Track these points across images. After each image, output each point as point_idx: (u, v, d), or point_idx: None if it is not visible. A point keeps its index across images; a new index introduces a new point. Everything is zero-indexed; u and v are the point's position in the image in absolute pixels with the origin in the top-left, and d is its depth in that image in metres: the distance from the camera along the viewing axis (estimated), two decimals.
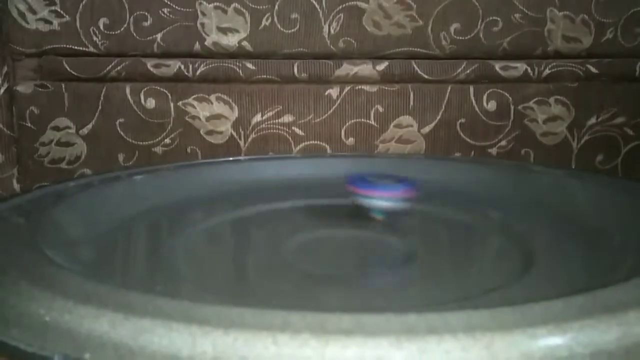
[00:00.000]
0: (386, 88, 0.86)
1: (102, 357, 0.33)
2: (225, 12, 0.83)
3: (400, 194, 0.59)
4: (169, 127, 0.84)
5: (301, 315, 0.33)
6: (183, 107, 0.84)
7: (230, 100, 0.85)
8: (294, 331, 0.32)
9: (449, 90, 0.86)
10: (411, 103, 0.86)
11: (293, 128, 0.86)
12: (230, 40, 0.83)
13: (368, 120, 0.86)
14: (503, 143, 0.88)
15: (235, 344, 0.32)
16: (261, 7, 0.83)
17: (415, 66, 0.85)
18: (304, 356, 0.31)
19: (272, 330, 0.32)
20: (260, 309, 0.34)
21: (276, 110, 0.85)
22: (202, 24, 0.83)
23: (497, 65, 0.86)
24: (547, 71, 0.86)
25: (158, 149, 0.85)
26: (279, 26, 0.83)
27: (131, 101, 0.84)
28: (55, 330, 0.35)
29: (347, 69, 0.84)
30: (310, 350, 0.31)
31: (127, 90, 0.83)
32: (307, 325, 0.33)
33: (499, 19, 0.84)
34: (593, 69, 0.86)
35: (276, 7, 0.83)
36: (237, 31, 0.83)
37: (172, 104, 0.84)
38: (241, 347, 0.32)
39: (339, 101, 0.85)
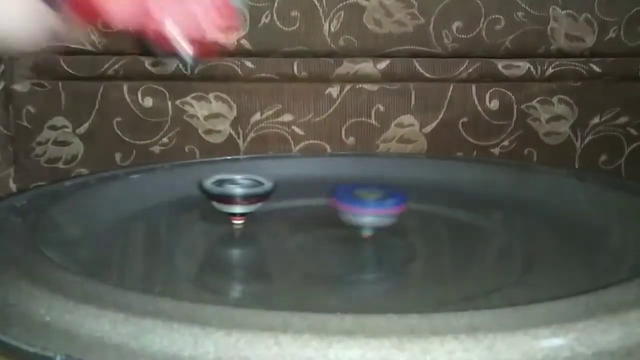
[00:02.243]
0: (387, 87, 0.85)
1: (103, 357, 0.33)
2: None
3: (391, 211, 0.54)
4: (167, 126, 0.84)
5: (303, 316, 0.33)
6: (181, 106, 0.84)
7: (229, 99, 0.84)
8: (296, 332, 0.32)
9: (450, 89, 0.86)
10: (412, 102, 0.86)
11: (293, 127, 0.85)
12: None
13: (369, 120, 0.86)
14: (505, 143, 0.87)
15: (237, 345, 0.32)
16: (260, 4, 0.82)
17: (416, 65, 0.85)
18: (306, 357, 0.31)
19: (274, 331, 0.32)
20: (261, 309, 0.34)
21: (275, 109, 0.85)
22: None
23: (500, 64, 0.85)
24: (550, 70, 0.85)
25: (156, 148, 0.85)
26: (278, 24, 0.83)
27: (128, 100, 0.83)
28: (56, 331, 0.35)
29: (347, 67, 0.84)
30: (313, 350, 0.31)
31: (125, 89, 0.83)
32: (309, 325, 0.33)
33: (501, 17, 0.84)
34: (596, 68, 0.86)
35: (276, 4, 0.82)
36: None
37: (169, 103, 0.84)
38: (243, 348, 0.32)
39: (339, 100, 0.85)
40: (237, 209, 0.55)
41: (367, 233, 0.55)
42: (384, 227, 0.54)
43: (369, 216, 0.54)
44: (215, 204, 0.56)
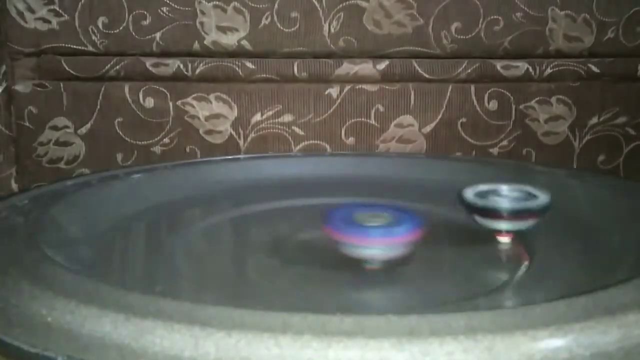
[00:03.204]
0: (387, 87, 0.86)
1: (105, 357, 0.33)
2: (224, 11, 0.82)
3: (401, 239, 0.43)
4: (168, 127, 0.84)
5: (303, 317, 0.33)
6: (182, 107, 0.84)
7: (230, 100, 0.84)
8: (296, 333, 0.32)
9: (449, 90, 0.86)
10: (412, 102, 0.86)
11: (293, 127, 0.85)
12: (230, 39, 0.83)
13: (368, 120, 0.86)
14: (504, 143, 0.87)
15: (237, 345, 0.32)
16: (261, 5, 0.82)
17: (416, 65, 0.85)
18: (306, 358, 0.31)
19: (274, 332, 0.32)
20: (261, 310, 0.34)
21: (276, 109, 0.85)
22: (202, 23, 0.82)
23: (499, 65, 0.85)
24: (548, 70, 0.86)
25: (157, 149, 0.85)
26: (278, 25, 0.83)
27: (130, 100, 0.83)
28: (58, 331, 0.35)
29: (347, 68, 0.84)
30: (312, 351, 0.31)
31: (126, 89, 0.83)
32: (308, 326, 0.33)
33: (500, 18, 0.84)
34: (594, 69, 0.86)
35: (276, 5, 0.82)
36: (237, 30, 0.83)
37: (171, 104, 0.84)
38: (243, 349, 0.32)
39: (339, 100, 0.85)
40: (503, 225, 0.49)
41: (372, 266, 0.44)
42: (394, 259, 0.44)
43: (375, 248, 0.43)
44: (477, 218, 0.49)
